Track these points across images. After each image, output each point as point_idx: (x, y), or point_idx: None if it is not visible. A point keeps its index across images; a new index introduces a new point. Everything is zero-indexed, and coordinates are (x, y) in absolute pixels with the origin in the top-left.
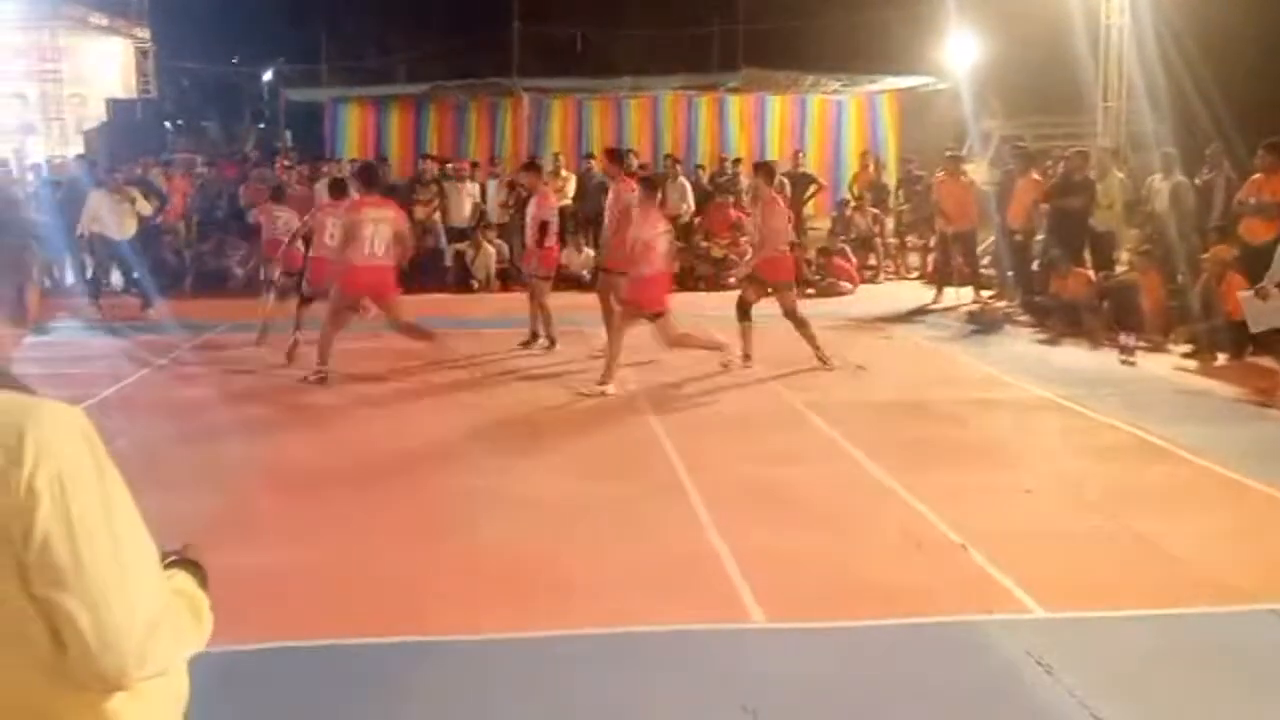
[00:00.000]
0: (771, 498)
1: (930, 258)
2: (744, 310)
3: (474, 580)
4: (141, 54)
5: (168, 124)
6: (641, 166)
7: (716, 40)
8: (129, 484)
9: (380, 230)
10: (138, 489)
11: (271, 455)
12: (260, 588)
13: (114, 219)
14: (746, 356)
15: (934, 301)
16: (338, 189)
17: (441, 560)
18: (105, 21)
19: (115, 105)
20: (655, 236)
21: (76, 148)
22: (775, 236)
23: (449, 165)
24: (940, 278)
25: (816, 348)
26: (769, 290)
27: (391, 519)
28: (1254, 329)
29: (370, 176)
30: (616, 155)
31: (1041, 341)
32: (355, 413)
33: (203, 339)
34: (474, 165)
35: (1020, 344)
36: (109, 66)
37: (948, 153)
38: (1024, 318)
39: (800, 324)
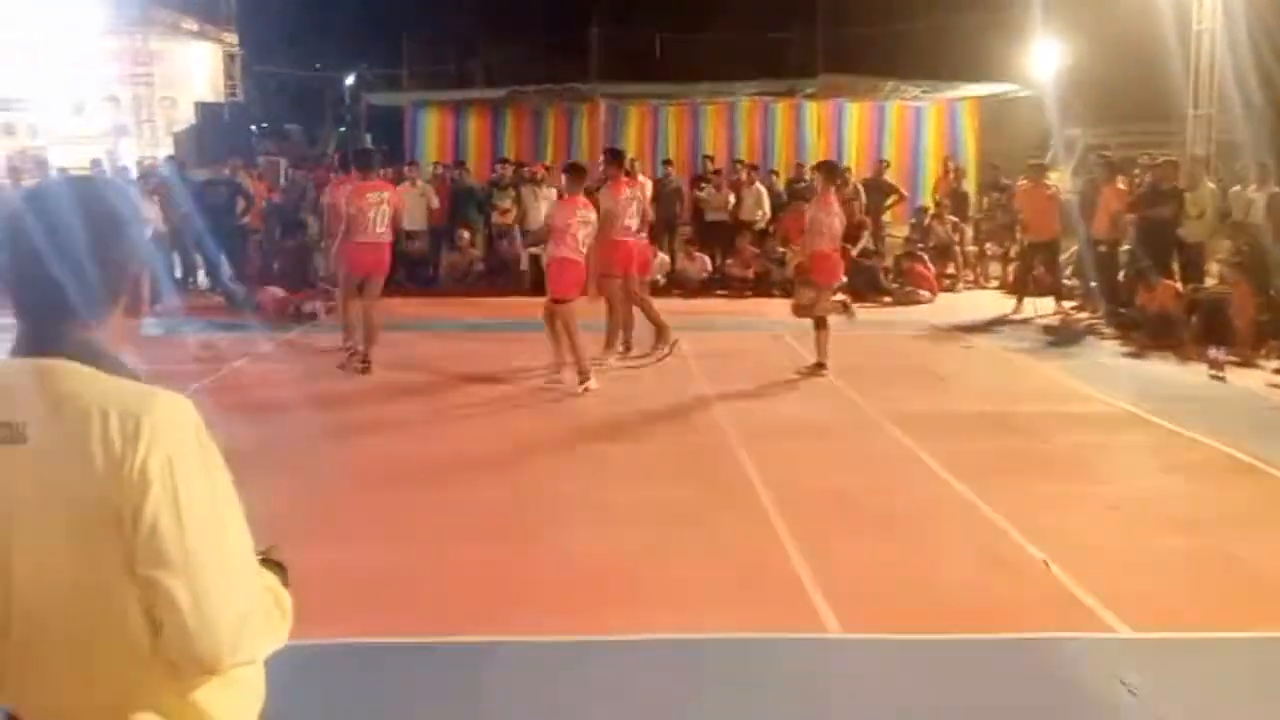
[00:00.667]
0: (847, 507)
1: (1011, 267)
2: (811, 317)
3: (547, 583)
4: (229, 58)
5: (253, 127)
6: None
7: (795, 46)
8: None
9: (381, 211)
10: None
11: (353, 453)
12: (340, 584)
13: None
14: (820, 365)
15: (1014, 311)
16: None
17: (515, 563)
18: (196, 27)
19: (204, 108)
20: (572, 224)
21: (166, 149)
22: (825, 234)
23: (524, 169)
24: (1021, 288)
25: (822, 355)
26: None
27: (468, 521)
28: None
29: (367, 161)
30: (612, 154)
31: (1127, 354)
32: (436, 414)
33: (286, 337)
34: (549, 169)
35: (1105, 356)
36: (198, 71)
37: (1030, 161)
38: (1109, 330)
39: (819, 325)
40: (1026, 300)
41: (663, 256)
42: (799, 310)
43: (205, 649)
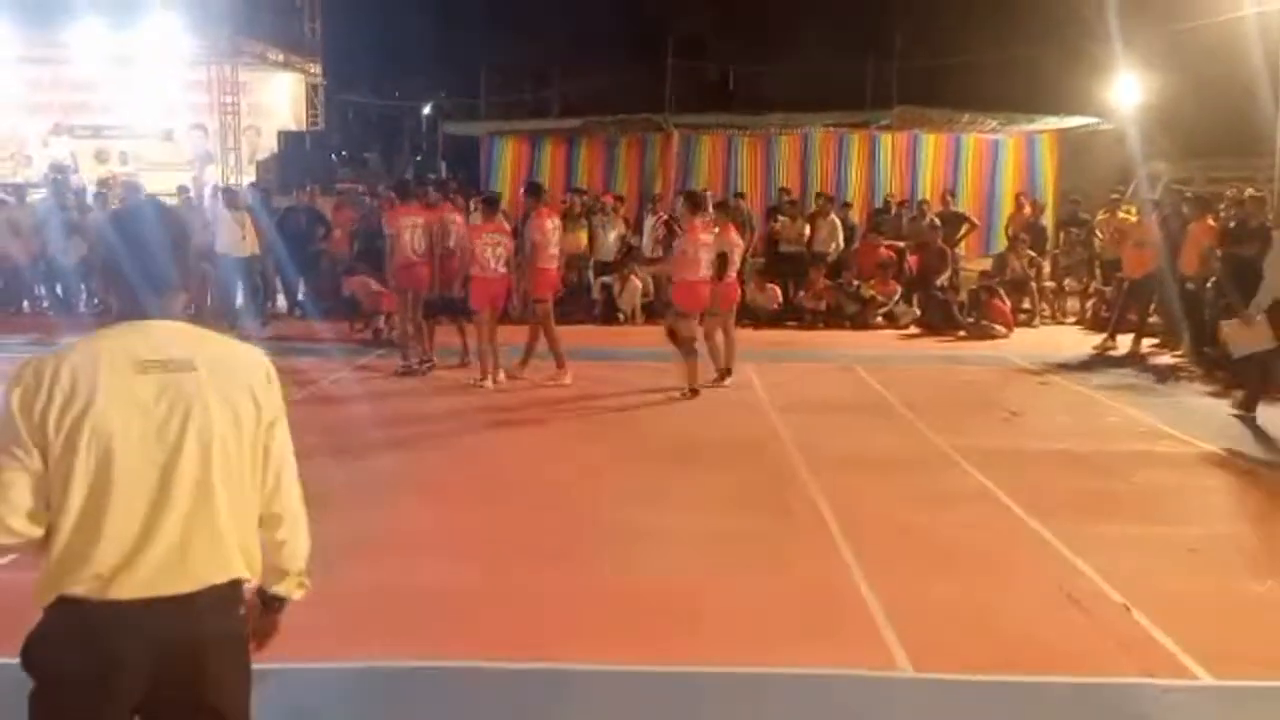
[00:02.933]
0: (919, 542)
1: (1090, 303)
2: (677, 341)
3: (608, 610)
4: (312, 88)
5: (333, 155)
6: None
7: (870, 77)
8: None
9: (416, 234)
10: None
11: (422, 476)
12: (403, 604)
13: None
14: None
15: (1098, 349)
16: (490, 208)
17: (577, 588)
18: (281, 58)
19: (286, 136)
20: (482, 245)
21: (250, 176)
22: (691, 264)
23: (594, 199)
24: (1115, 325)
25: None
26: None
27: (533, 545)
28: (1235, 354)
29: (404, 190)
30: (531, 189)
31: (1211, 394)
32: (503, 438)
33: (363, 361)
34: (620, 199)
35: (1188, 396)
36: (282, 100)
37: (1113, 196)
38: (1193, 369)
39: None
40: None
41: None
42: (669, 335)
43: (282, 506)
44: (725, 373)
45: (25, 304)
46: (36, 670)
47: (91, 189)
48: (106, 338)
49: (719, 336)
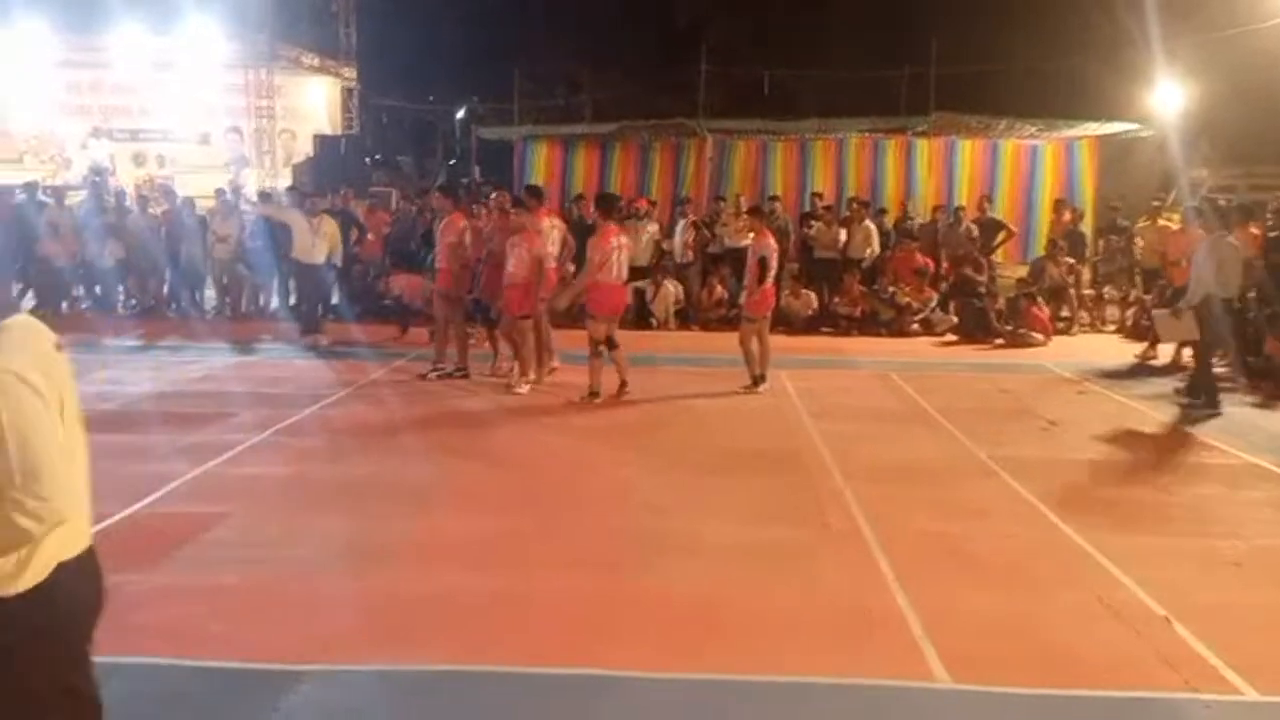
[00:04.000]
0: (957, 553)
1: (1130, 311)
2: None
3: (646, 617)
4: (347, 92)
5: (368, 159)
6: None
7: (906, 83)
8: (323, 503)
9: (621, 256)
10: (332, 506)
11: (455, 481)
12: (441, 610)
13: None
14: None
15: (1140, 357)
16: (608, 211)
17: (616, 595)
18: (317, 62)
19: (321, 140)
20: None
21: (285, 180)
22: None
23: (628, 204)
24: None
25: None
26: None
27: (566, 551)
28: (1164, 340)
29: (455, 195)
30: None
31: (1254, 405)
32: (536, 443)
33: (394, 365)
34: (653, 203)
35: (1231, 406)
36: (317, 104)
37: (1154, 203)
38: (1236, 379)
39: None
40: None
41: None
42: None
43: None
44: (759, 379)
45: (64, 304)
46: (62, 604)
47: (129, 191)
48: (20, 326)
49: (754, 343)
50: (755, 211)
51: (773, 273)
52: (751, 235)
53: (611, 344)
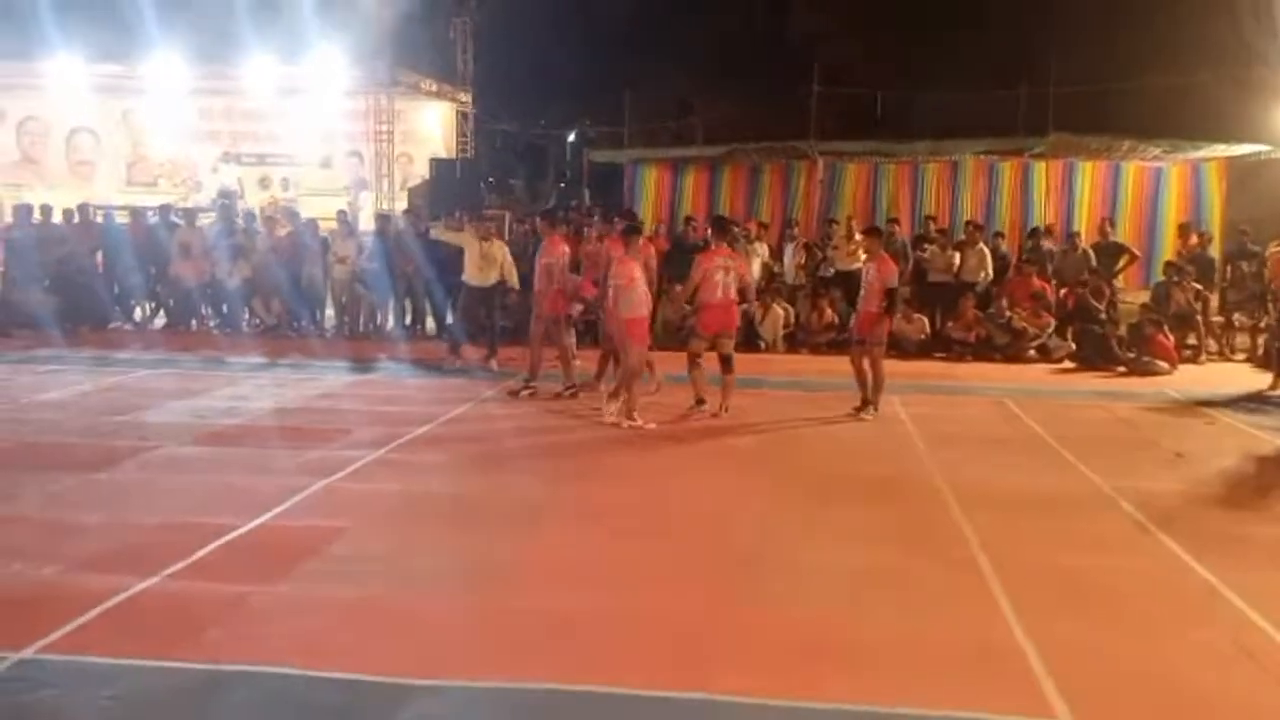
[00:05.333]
0: (1079, 587)
1: (1262, 339)
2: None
3: (762, 643)
4: (463, 117)
5: (481, 182)
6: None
7: (1023, 103)
8: (438, 519)
9: (729, 277)
10: (446, 523)
11: (565, 502)
12: (552, 628)
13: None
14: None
15: (1271, 388)
16: (721, 233)
17: (728, 621)
18: (434, 87)
19: (438, 164)
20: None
21: (401, 203)
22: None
23: (736, 227)
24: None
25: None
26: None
27: (676, 573)
28: None
29: (723, 228)
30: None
31: None
32: (649, 464)
33: (505, 384)
34: (762, 226)
35: None
36: (433, 128)
37: None
38: None
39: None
40: None
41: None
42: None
43: None
44: (866, 404)
45: (194, 323)
46: None
47: (256, 214)
48: None
49: (865, 364)
50: (873, 233)
51: (898, 300)
52: (864, 257)
53: (718, 362)
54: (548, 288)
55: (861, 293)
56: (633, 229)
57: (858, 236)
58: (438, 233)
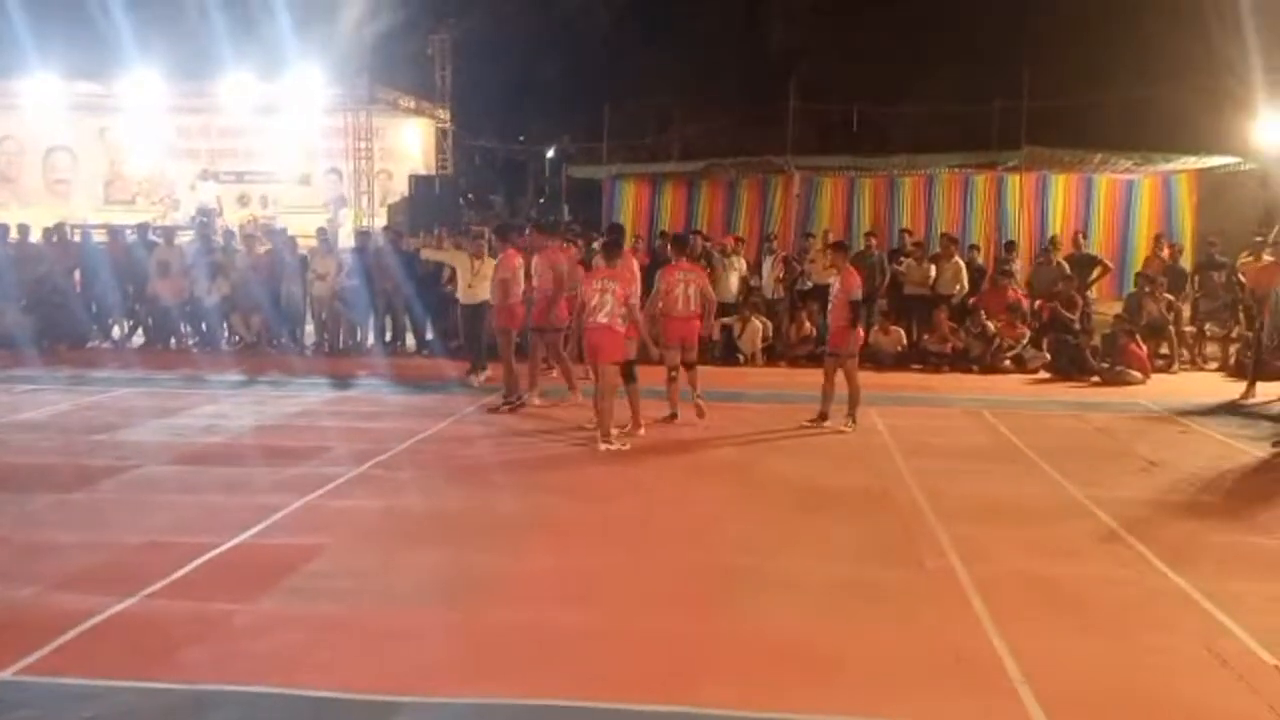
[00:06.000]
0: (1054, 596)
1: (1233, 349)
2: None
3: (739, 656)
4: (441, 133)
5: (461, 199)
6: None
7: (996, 117)
8: (419, 536)
9: (689, 290)
10: (427, 539)
11: (543, 516)
12: (535, 644)
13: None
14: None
15: (1242, 397)
16: (680, 248)
17: (703, 633)
18: (413, 104)
19: (417, 180)
20: (592, 291)
21: (381, 219)
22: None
23: (709, 242)
24: (1256, 372)
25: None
26: None
27: (657, 589)
28: None
29: (681, 244)
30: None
31: None
32: (624, 480)
33: (484, 401)
34: (740, 240)
35: None
36: (412, 145)
37: (1256, 239)
38: None
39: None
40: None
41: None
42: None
43: None
44: (825, 416)
45: (173, 341)
46: None
47: (235, 231)
48: None
49: (838, 377)
50: (837, 247)
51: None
52: (835, 272)
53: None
54: (504, 302)
55: (829, 306)
56: (614, 243)
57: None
58: (428, 253)
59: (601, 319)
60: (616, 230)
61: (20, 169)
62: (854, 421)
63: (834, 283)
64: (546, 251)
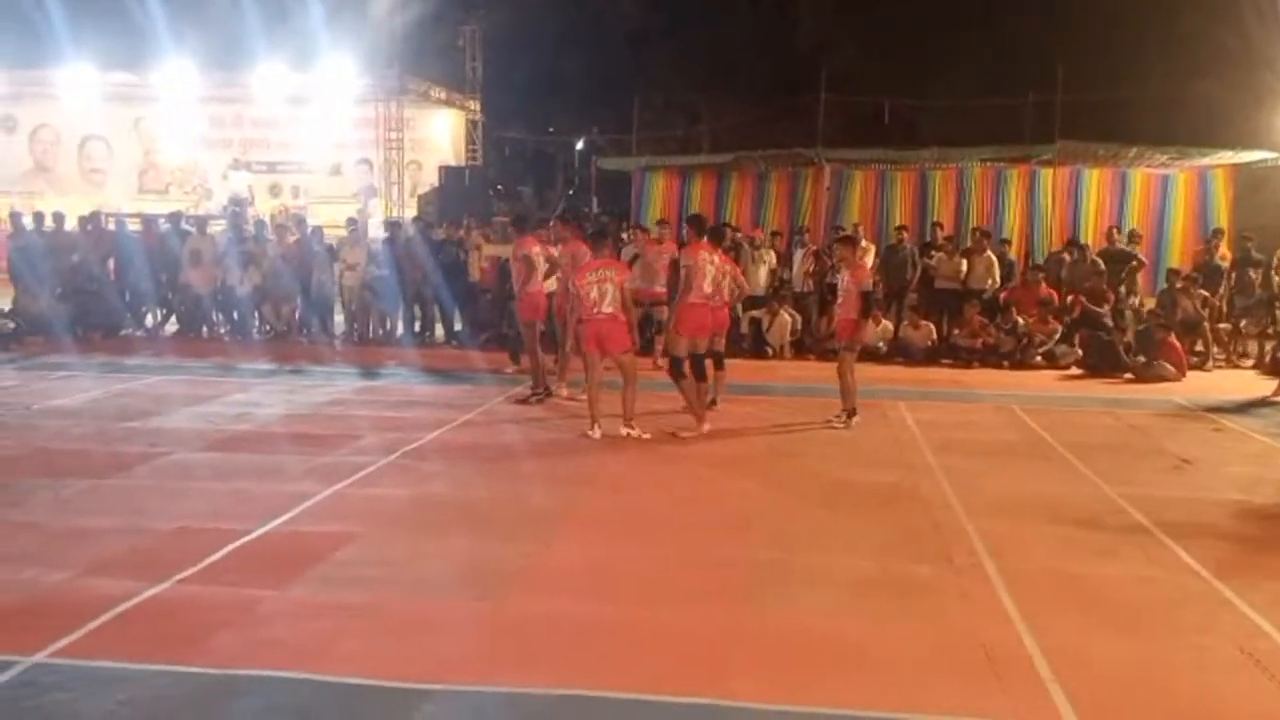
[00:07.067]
0: (1085, 594)
1: (1270, 345)
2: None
3: (767, 650)
4: (472, 124)
5: (490, 189)
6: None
7: (1030, 111)
8: (446, 525)
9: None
10: (455, 529)
11: (572, 507)
12: (562, 635)
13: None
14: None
15: (1275, 393)
16: (697, 229)
17: (734, 628)
18: (444, 95)
19: (447, 171)
20: (588, 284)
21: (411, 210)
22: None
23: (739, 234)
24: None
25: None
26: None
27: (684, 580)
28: None
29: (700, 227)
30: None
31: None
32: (652, 472)
33: (513, 392)
34: (775, 234)
35: None
36: (442, 136)
37: None
38: None
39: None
40: None
41: (886, 323)
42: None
43: None
44: (853, 412)
45: (204, 329)
46: None
47: (266, 221)
48: None
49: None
50: (846, 241)
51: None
52: (844, 266)
53: (682, 372)
54: (522, 291)
55: (839, 300)
56: (602, 231)
57: (862, 244)
58: (489, 248)
59: (607, 309)
60: (695, 220)
61: (56, 158)
62: (849, 416)
63: (843, 276)
64: (570, 243)
